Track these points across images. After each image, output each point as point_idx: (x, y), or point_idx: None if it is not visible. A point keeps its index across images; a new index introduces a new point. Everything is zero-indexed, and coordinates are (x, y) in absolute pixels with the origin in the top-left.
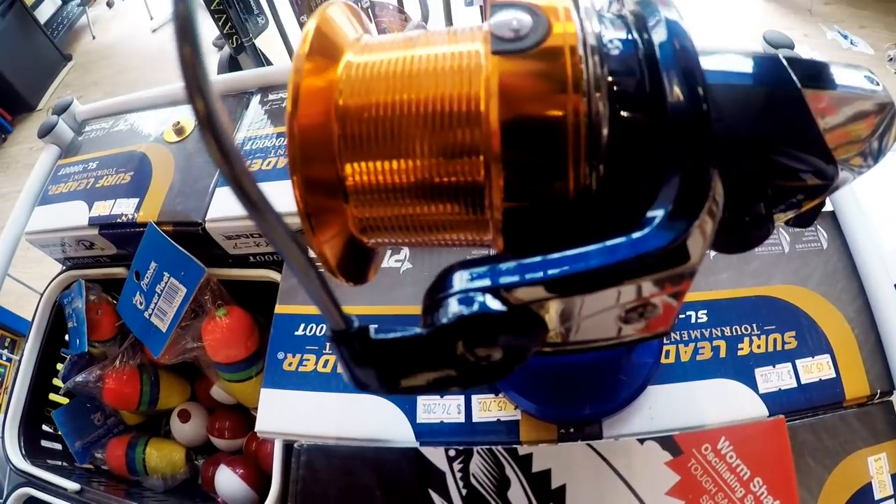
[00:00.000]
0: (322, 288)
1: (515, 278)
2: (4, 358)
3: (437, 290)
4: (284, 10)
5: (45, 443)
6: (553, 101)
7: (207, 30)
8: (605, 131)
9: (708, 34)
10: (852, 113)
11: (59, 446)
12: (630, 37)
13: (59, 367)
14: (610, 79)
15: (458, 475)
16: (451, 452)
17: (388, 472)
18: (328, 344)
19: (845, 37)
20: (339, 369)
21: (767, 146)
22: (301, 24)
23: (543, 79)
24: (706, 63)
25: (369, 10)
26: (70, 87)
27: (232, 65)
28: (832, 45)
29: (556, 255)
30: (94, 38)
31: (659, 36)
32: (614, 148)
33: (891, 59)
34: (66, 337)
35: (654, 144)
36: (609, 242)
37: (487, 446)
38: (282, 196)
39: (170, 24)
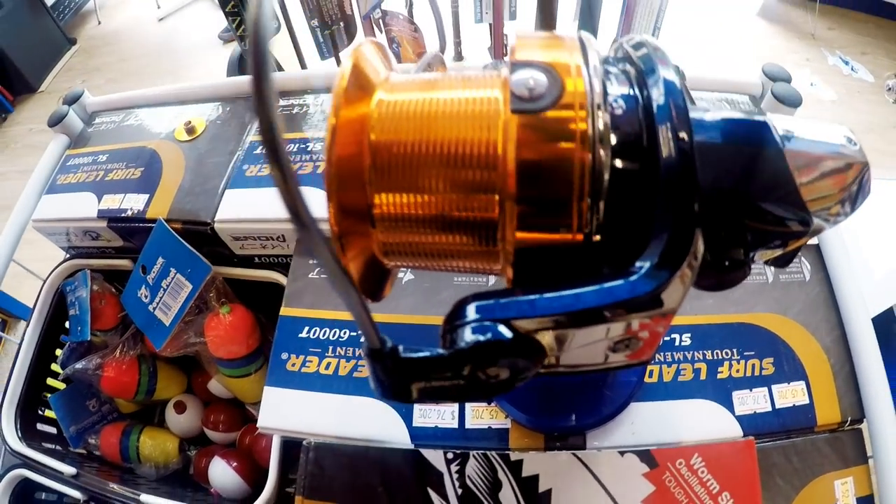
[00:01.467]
0: (364, 312)
1: (523, 312)
2: None
3: (455, 318)
4: (296, 15)
5: (40, 426)
6: (563, 153)
7: (217, 23)
8: (606, 179)
9: (711, 58)
10: (828, 169)
11: (53, 430)
12: (631, 92)
13: (59, 352)
14: (612, 134)
15: (455, 476)
16: (450, 455)
17: (390, 470)
18: (364, 358)
19: (846, 63)
20: (371, 382)
21: (749, 199)
22: (312, 29)
23: (555, 133)
24: (698, 119)
25: (380, 20)
26: (73, 70)
27: (242, 64)
28: (833, 71)
29: (558, 294)
30: (99, 23)
31: (656, 96)
32: (613, 195)
33: (889, 89)
34: (67, 324)
35: (648, 195)
36: (604, 285)
37: (483, 451)
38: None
39: (176, 14)
